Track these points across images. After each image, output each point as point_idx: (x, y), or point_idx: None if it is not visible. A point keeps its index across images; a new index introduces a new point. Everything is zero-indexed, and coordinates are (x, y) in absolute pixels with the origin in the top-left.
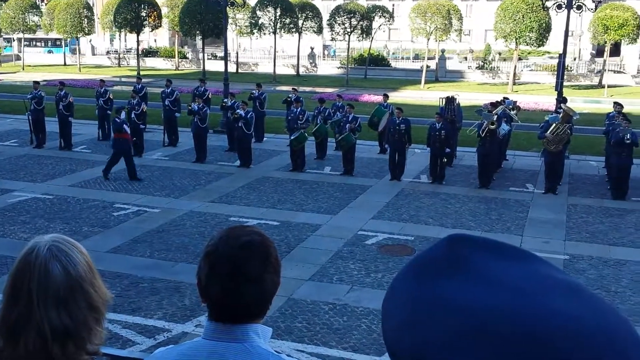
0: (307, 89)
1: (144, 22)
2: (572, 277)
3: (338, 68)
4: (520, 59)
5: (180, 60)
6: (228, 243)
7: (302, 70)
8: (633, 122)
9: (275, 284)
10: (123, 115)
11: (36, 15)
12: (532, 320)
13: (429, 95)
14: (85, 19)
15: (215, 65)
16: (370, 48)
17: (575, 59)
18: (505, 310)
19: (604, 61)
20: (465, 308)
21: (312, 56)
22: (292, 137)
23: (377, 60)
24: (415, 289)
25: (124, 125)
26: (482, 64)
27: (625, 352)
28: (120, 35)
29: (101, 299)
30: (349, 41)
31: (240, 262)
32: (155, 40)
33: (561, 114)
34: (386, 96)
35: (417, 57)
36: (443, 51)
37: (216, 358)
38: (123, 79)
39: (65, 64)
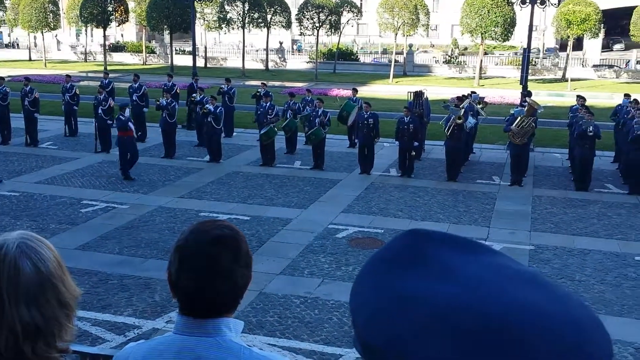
0: (277, 83)
1: (111, 17)
2: (527, 267)
3: (307, 63)
4: (486, 53)
5: (147, 55)
6: (198, 237)
7: (271, 65)
8: (595, 115)
9: (246, 278)
10: (127, 112)
11: (0, 10)
12: (492, 310)
13: (397, 90)
14: (51, 14)
15: (184, 60)
16: (338, 43)
17: (539, 52)
18: (466, 302)
19: (567, 55)
20: (428, 301)
21: (281, 51)
22: (261, 132)
23: (345, 55)
24: (379, 283)
25: (129, 123)
26: (449, 58)
27: (587, 334)
28: (86, 30)
29: (71, 295)
30: (317, 36)
31: (211, 256)
32: (122, 35)
33: (526, 108)
34: (355, 90)
35: (385, 51)
36: (411, 46)
37: (187, 353)
38: (90, 74)
39: (30, 59)
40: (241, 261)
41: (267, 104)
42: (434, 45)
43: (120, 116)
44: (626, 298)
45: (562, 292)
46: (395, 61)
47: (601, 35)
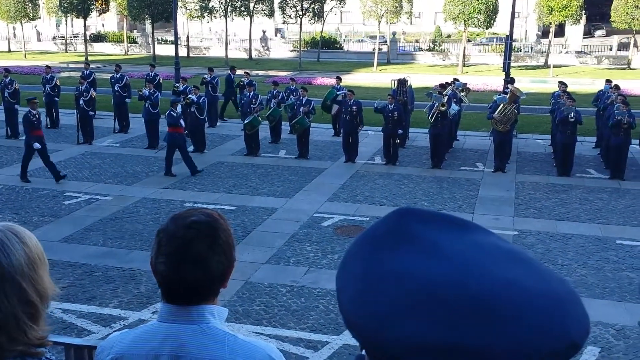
0: (260, 72)
1: (91, 7)
2: (515, 245)
3: (291, 51)
4: (469, 40)
5: (129, 45)
6: (176, 222)
7: (254, 54)
8: (577, 101)
9: (222, 266)
10: (179, 108)
11: None
12: (475, 287)
13: (381, 78)
14: (30, 4)
15: (166, 50)
16: (322, 31)
17: (521, 40)
18: (452, 278)
19: (549, 42)
20: (414, 277)
21: (264, 39)
22: (245, 122)
23: (329, 43)
24: (366, 262)
25: (181, 120)
26: (433, 46)
27: (566, 310)
28: (66, 20)
29: (41, 294)
30: (300, 24)
31: (185, 241)
32: (103, 25)
33: (508, 95)
34: (339, 79)
35: (369, 38)
36: (394, 34)
37: (171, 340)
38: (70, 65)
39: (9, 50)
40: (217, 248)
41: (251, 94)
42: (404, 33)
43: (172, 112)
44: (607, 281)
45: (544, 269)
46: (379, 49)
47: (582, 21)
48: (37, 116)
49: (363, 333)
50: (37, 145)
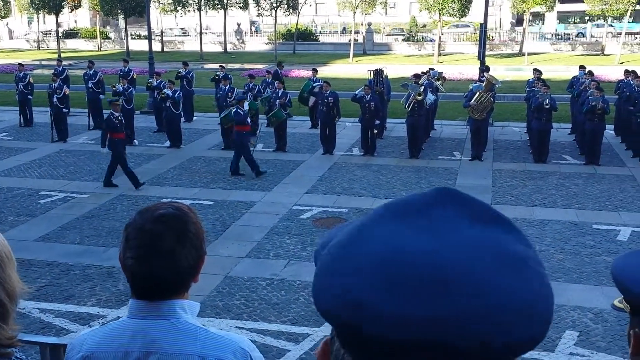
0: (236, 66)
1: (63, 3)
2: (525, 250)
3: (266, 44)
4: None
5: (102, 40)
6: (144, 216)
7: (229, 47)
8: (552, 87)
9: (192, 259)
10: (246, 106)
11: None
12: (441, 263)
13: (358, 69)
14: (1, 2)
15: (140, 45)
16: (297, 23)
17: (495, 29)
18: (417, 253)
19: (524, 30)
20: (387, 246)
21: (239, 33)
22: (221, 116)
23: (305, 35)
24: (359, 227)
25: (248, 117)
26: (409, 36)
27: (536, 312)
28: (38, 17)
29: (9, 293)
30: (275, 16)
31: (153, 234)
32: (75, 21)
33: (484, 83)
34: (315, 71)
35: (344, 30)
36: (369, 24)
37: (142, 336)
38: (43, 62)
39: None
40: (186, 242)
41: (227, 87)
42: (370, 24)
43: (239, 110)
44: (584, 265)
45: (536, 276)
46: (355, 40)
47: (556, 8)
48: (119, 118)
49: (320, 302)
50: (105, 150)
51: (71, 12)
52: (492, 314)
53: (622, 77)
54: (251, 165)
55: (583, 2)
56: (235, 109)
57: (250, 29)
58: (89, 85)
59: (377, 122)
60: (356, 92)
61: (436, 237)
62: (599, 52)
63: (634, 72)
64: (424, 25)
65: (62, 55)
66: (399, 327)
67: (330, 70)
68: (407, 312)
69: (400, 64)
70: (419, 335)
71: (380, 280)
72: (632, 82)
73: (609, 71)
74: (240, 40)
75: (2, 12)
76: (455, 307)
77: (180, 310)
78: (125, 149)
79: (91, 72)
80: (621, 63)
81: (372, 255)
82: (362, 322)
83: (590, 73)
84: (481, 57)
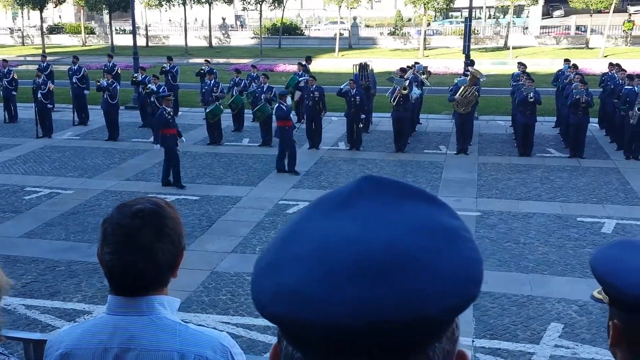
0: (221, 60)
1: None
2: (455, 222)
3: (252, 38)
4: (429, 24)
5: (87, 36)
6: (121, 211)
7: (214, 42)
8: (537, 81)
9: (170, 255)
10: (289, 101)
11: None
12: (368, 247)
13: (343, 63)
14: None
15: (125, 40)
16: (282, 17)
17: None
18: (345, 241)
19: (508, 23)
20: (317, 240)
21: (224, 27)
22: (207, 110)
23: (290, 30)
24: (295, 224)
25: (291, 113)
26: (394, 30)
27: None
28: (22, 13)
29: None
30: (260, 10)
31: (130, 230)
32: (60, 17)
33: (469, 77)
34: (300, 65)
35: (331, 24)
36: (355, 18)
37: (120, 333)
38: (28, 58)
39: None
40: (164, 237)
41: (212, 82)
42: (355, 18)
43: (282, 105)
44: (569, 258)
45: (463, 245)
46: (340, 34)
47: (541, 2)
48: (171, 114)
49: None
50: (157, 146)
51: (55, 7)
52: (423, 288)
53: (607, 70)
54: (292, 161)
55: None
56: (277, 104)
57: (236, 23)
58: (74, 81)
59: (363, 116)
60: (342, 87)
61: (363, 223)
62: (584, 46)
63: (618, 65)
64: (409, 20)
65: (47, 50)
66: (333, 311)
67: (316, 65)
68: (340, 296)
69: (386, 58)
70: (354, 317)
71: (313, 271)
72: (616, 75)
73: (593, 64)
74: (226, 35)
75: None
76: (385, 287)
77: (159, 306)
78: (178, 145)
79: (75, 68)
80: (605, 56)
81: (304, 250)
82: (298, 311)
83: (575, 66)
84: (466, 51)
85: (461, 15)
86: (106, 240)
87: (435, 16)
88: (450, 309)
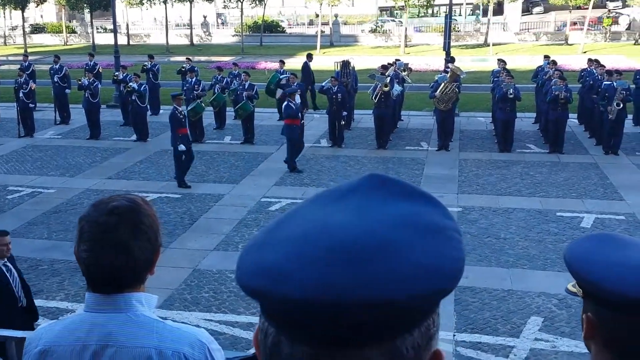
0: (203, 58)
1: None
2: (446, 222)
3: (233, 36)
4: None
5: (68, 35)
6: (97, 209)
7: (196, 40)
8: (516, 77)
9: (147, 252)
10: (298, 99)
11: None
12: (352, 234)
13: (325, 61)
14: None
15: (106, 39)
16: (264, 15)
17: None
18: (336, 226)
19: (488, 20)
20: (309, 224)
21: (205, 25)
22: (188, 108)
23: (271, 27)
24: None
25: (299, 112)
26: (375, 27)
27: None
28: (4, 13)
29: None
30: (242, 8)
31: (107, 227)
32: (41, 16)
33: (449, 74)
34: (282, 62)
35: (311, 22)
36: (336, 16)
37: (98, 330)
38: (10, 58)
39: None
40: (141, 234)
41: (193, 80)
42: (337, 15)
43: (290, 103)
44: (549, 252)
45: (446, 242)
46: (322, 32)
47: None
48: (183, 113)
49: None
50: (182, 147)
51: (37, 6)
52: (392, 272)
53: (586, 66)
54: (292, 159)
55: None
56: (286, 103)
57: (217, 21)
58: (55, 80)
59: (345, 113)
60: (323, 84)
61: (352, 214)
62: (563, 42)
63: (597, 61)
64: (389, 11)
65: (29, 50)
66: (304, 286)
67: (298, 62)
68: (312, 274)
69: (367, 55)
70: (324, 293)
71: (292, 251)
72: (595, 71)
73: (572, 60)
74: (207, 33)
75: None
76: (357, 267)
77: (136, 303)
78: (191, 144)
79: (57, 67)
80: (584, 52)
81: (294, 232)
82: (272, 285)
83: (554, 62)
84: (446, 48)
85: (439, 10)
86: (82, 237)
87: (417, 14)
88: (419, 297)
